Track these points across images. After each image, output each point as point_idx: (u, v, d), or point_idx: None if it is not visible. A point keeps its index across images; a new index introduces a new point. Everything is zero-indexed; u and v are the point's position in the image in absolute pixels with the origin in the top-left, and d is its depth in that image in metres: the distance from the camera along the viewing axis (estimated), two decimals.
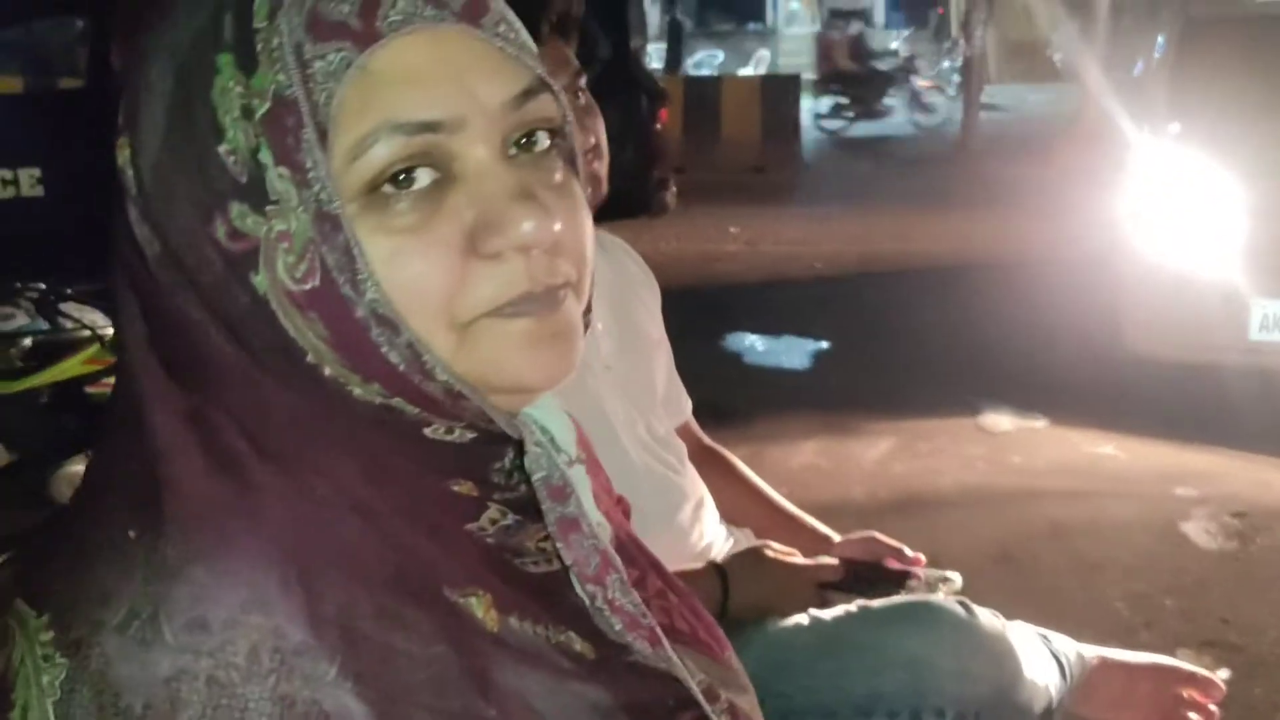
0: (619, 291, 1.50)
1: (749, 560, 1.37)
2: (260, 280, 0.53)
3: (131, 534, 0.53)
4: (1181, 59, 4.60)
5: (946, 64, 18.04)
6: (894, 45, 18.88)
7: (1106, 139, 5.18)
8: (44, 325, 2.93)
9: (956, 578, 1.40)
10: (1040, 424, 4.16)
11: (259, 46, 0.52)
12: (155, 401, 0.56)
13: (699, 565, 1.36)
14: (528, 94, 0.57)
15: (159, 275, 0.56)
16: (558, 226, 0.56)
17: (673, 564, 1.34)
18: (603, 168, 1.35)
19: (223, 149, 0.52)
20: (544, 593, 0.61)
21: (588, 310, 0.63)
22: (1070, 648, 1.33)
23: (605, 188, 1.36)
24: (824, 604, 1.35)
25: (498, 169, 0.56)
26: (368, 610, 0.54)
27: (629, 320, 1.49)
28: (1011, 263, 6.13)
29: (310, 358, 0.55)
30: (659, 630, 0.63)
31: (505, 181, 0.55)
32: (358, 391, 0.56)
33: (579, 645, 0.61)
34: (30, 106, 7.39)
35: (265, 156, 0.52)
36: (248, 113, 0.52)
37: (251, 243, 0.53)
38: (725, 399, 4.29)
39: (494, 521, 0.61)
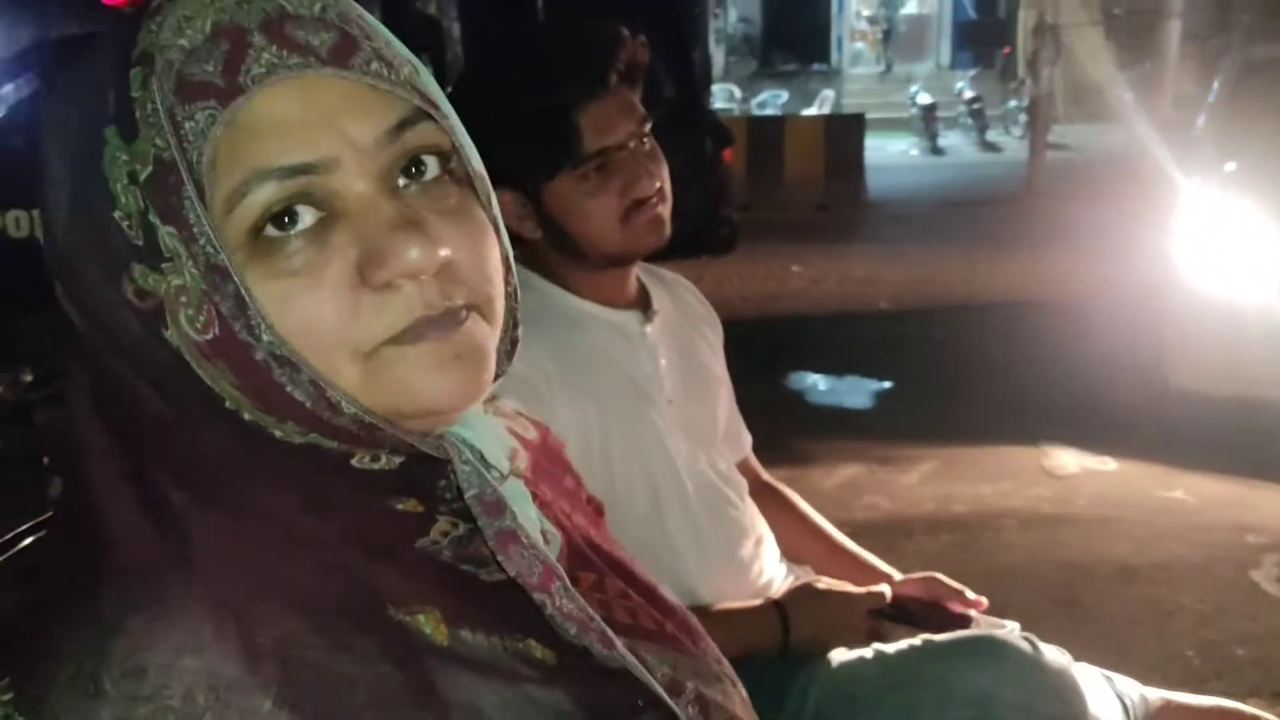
0: (682, 328, 1.52)
1: (805, 594, 1.38)
2: (171, 335, 0.56)
3: (75, 597, 0.55)
4: (1237, 100, 4.59)
5: (1013, 104, 17.93)
6: (959, 85, 18.82)
7: (1170, 180, 5.13)
8: None
9: (1014, 627, 1.39)
10: (1108, 466, 4.09)
11: (137, 114, 0.54)
12: (96, 463, 0.59)
13: (758, 602, 1.37)
14: (404, 125, 0.58)
15: (89, 341, 0.59)
16: (444, 252, 0.58)
17: (733, 598, 1.36)
18: (666, 210, 1.38)
19: (118, 215, 0.55)
20: (502, 601, 0.62)
21: (515, 330, 0.65)
22: (1134, 689, 1.31)
23: (669, 230, 1.38)
24: (878, 632, 1.35)
25: (379, 202, 0.58)
26: (309, 639, 0.56)
27: (692, 357, 1.51)
28: (1077, 302, 6.04)
29: (229, 404, 0.57)
30: (609, 632, 0.64)
31: (386, 213, 0.57)
32: (278, 433, 0.59)
33: (539, 652, 0.62)
34: None
35: (154, 217, 0.54)
36: (133, 178, 0.54)
37: (157, 300, 0.55)
38: (787, 438, 4.28)
39: (445, 534, 0.63)
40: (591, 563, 0.71)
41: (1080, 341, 5.34)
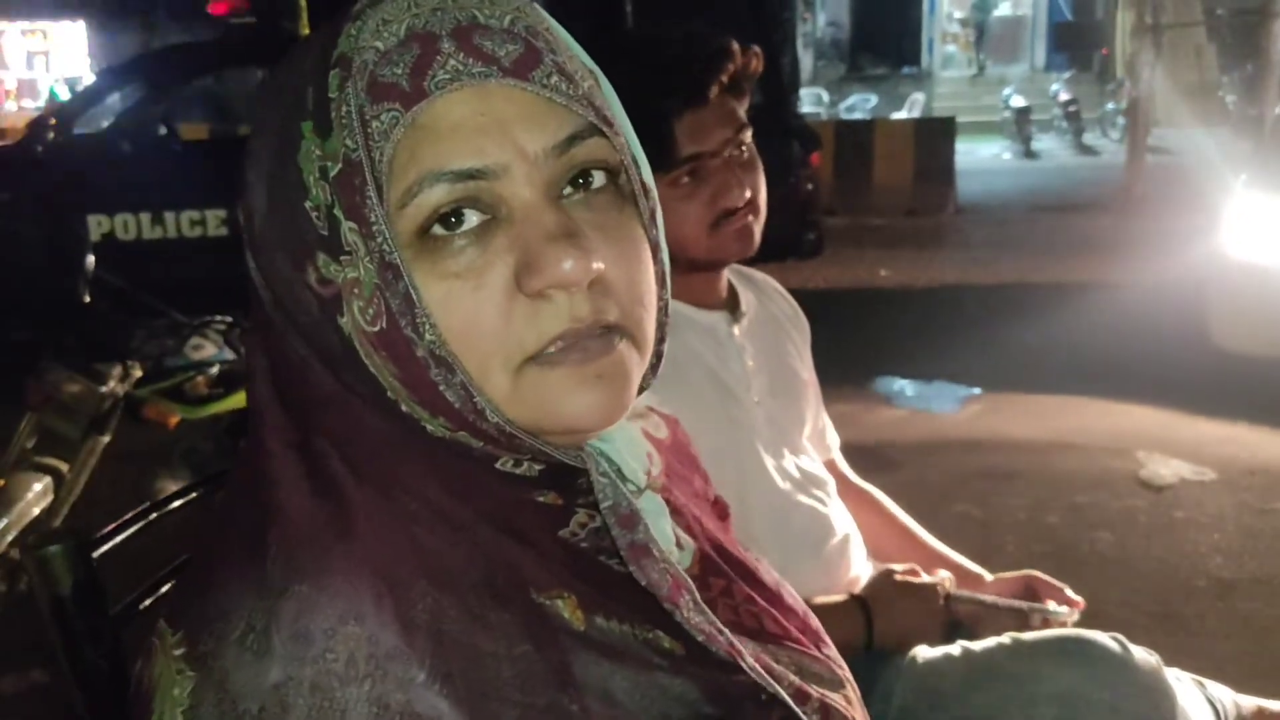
0: (770, 329, 1.53)
1: (885, 587, 1.38)
2: (345, 322, 0.59)
3: (246, 561, 0.59)
4: None
5: (1111, 106, 17.52)
6: (1055, 88, 18.44)
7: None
8: (230, 355, 3.13)
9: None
10: (1207, 476, 3.98)
11: (332, 113, 0.57)
12: (271, 434, 0.63)
13: (841, 598, 1.38)
14: (574, 139, 0.60)
15: (273, 317, 0.63)
16: (597, 265, 0.59)
17: (820, 595, 1.37)
18: (757, 222, 1.38)
19: (308, 205, 0.58)
20: (635, 591, 0.64)
21: (661, 344, 0.66)
22: (1227, 695, 1.29)
23: (757, 241, 1.39)
24: (959, 620, 1.35)
25: (541, 211, 0.59)
26: (456, 615, 0.59)
27: (779, 358, 1.52)
28: (1176, 311, 5.88)
29: (390, 394, 0.60)
30: (736, 644, 0.65)
31: (546, 222, 0.59)
32: (430, 426, 0.61)
33: (667, 642, 0.65)
34: (216, 152, 7.86)
35: (339, 212, 0.57)
36: (324, 173, 0.58)
37: (335, 288, 0.58)
38: (874, 443, 4.26)
39: (583, 525, 0.66)
40: (721, 569, 0.73)
41: (1182, 352, 5.22)
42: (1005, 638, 1.29)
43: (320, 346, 0.61)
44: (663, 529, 0.68)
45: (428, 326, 0.57)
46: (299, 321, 0.61)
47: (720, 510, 0.83)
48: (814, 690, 0.68)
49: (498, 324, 0.58)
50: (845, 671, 0.74)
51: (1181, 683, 1.26)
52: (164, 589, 0.93)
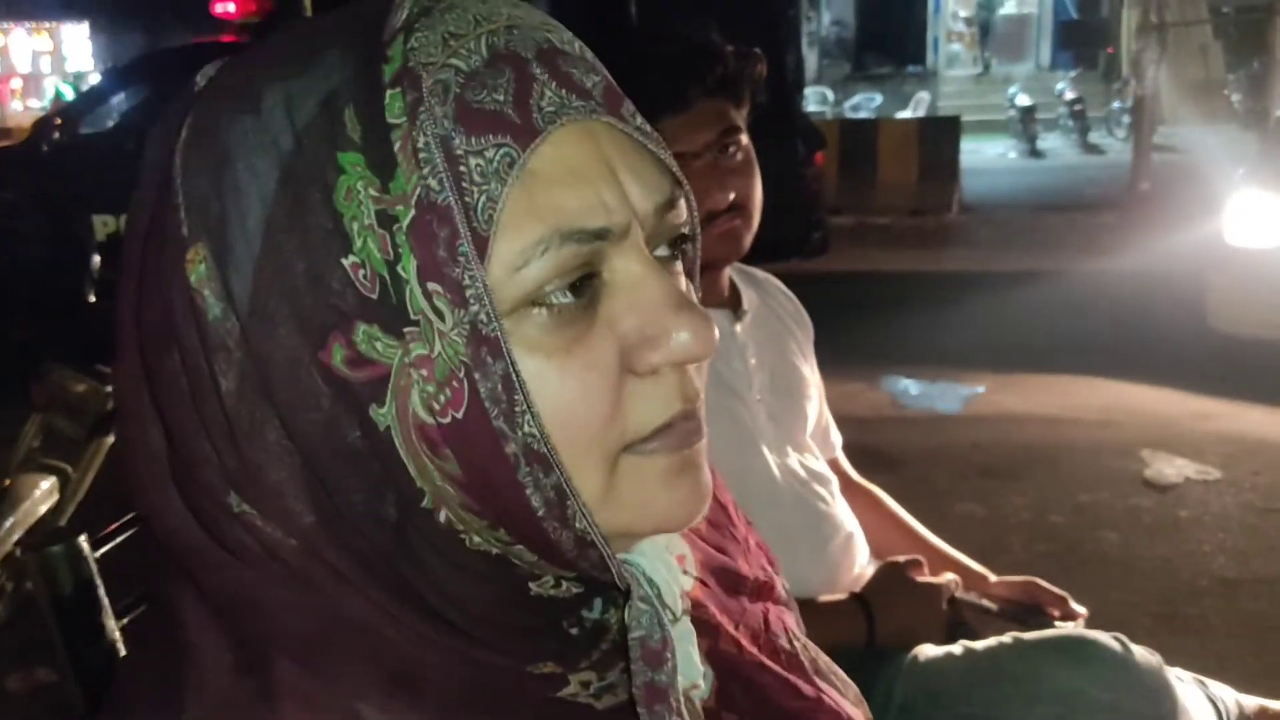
0: (772, 327, 1.53)
1: (887, 582, 1.38)
2: (384, 413, 0.46)
3: None
4: None
5: (1116, 105, 17.49)
6: (1060, 86, 18.42)
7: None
8: None
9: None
10: (1211, 476, 3.98)
11: (397, 145, 0.45)
12: (189, 590, 0.52)
13: (842, 596, 1.38)
14: (671, 202, 0.52)
15: (234, 417, 0.48)
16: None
17: (823, 593, 1.37)
18: (745, 224, 1.36)
19: (349, 261, 0.45)
20: None
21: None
22: (1228, 694, 1.29)
23: (744, 244, 1.37)
24: (961, 620, 1.35)
25: (655, 277, 0.50)
26: None
27: (782, 355, 1.52)
28: (1182, 309, 5.88)
29: (426, 502, 0.48)
30: None
31: (662, 289, 0.50)
32: (476, 539, 0.50)
33: None
34: None
35: (406, 270, 0.45)
36: (385, 221, 0.45)
37: (379, 370, 0.46)
38: (878, 442, 4.25)
39: (574, 695, 0.55)
40: (736, 702, 0.62)
41: (1188, 351, 5.22)
42: (1007, 637, 1.29)
43: (313, 453, 0.47)
44: (690, 658, 0.59)
45: (527, 416, 0.46)
46: (290, 419, 0.47)
47: (764, 591, 0.71)
48: None
49: (606, 410, 0.48)
50: None
51: (1183, 682, 1.26)
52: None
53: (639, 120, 0.51)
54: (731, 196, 1.34)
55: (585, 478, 0.48)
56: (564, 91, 0.48)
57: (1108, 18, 21.78)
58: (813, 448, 1.53)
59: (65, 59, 17.45)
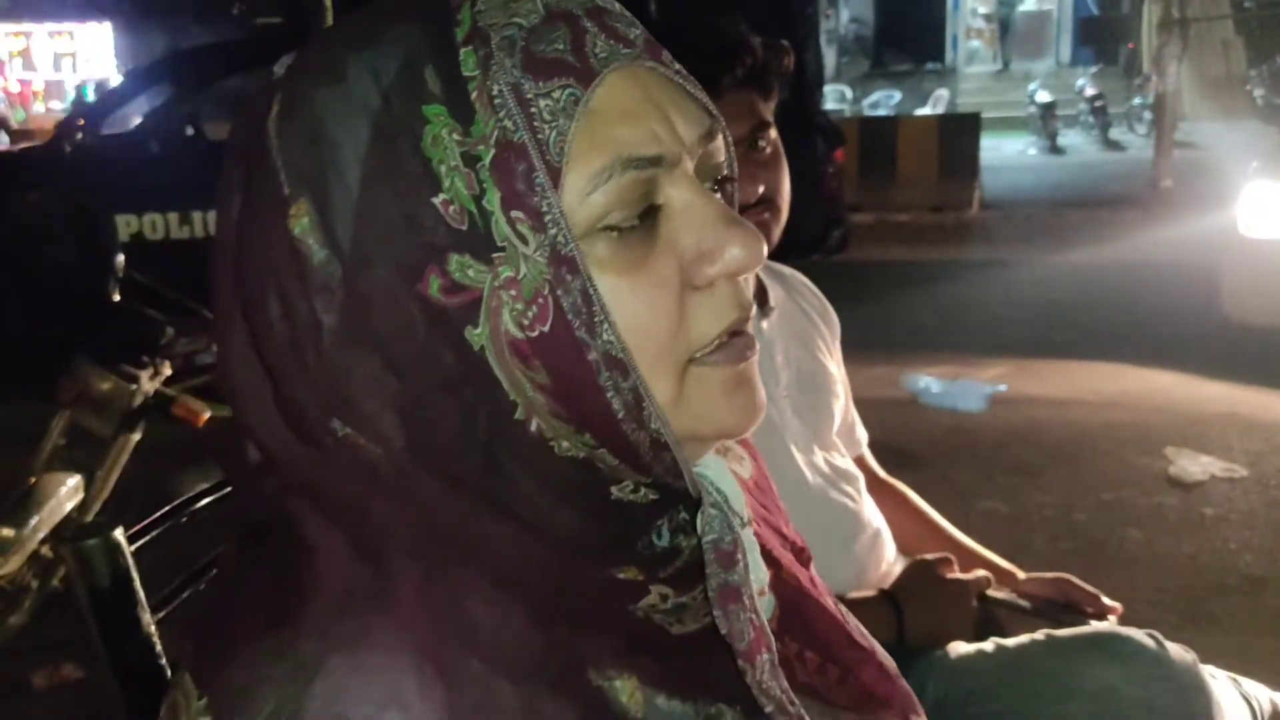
0: (798, 324, 1.53)
1: (916, 580, 1.37)
2: (478, 334, 0.51)
3: (276, 625, 0.53)
4: None
5: (1137, 101, 17.39)
6: (1080, 83, 18.33)
7: None
8: None
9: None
10: (1238, 473, 3.95)
11: (474, 94, 0.51)
12: (304, 503, 0.56)
13: (871, 593, 1.38)
14: (710, 134, 0.58)
15: (331, 354, 0.53)
16: (765, 248, 0.56)
17: (851, 590, 1.36)
18: (773, 219, 1.36)
19: (439, 200, 0.51)
20: (698, 657, 0.60)
21: None
22: (1262, 693, 1.28)
23: (774, 239, 1.37)
24: (990, 617, 1.34)
25: (705, 199, 0.56)
26: (508, 703, 0.54)
27: (808, 353, 1.52)
28: (1200, 300, 5.84)
29: (518, 414, 0.53)
30: (805, 717, 0.61)
31: (714, 210, 0.56)
32: (564, 444, 0.54)
33: (729, 717, 0.60)
34: None
35: (491, 202, 0.51)
36: (470, 161, 0.51)
37: (472, 294, 0.51)
38: (902, 440, 4.24)
39: (653, 606, 0.59)
40: (796, 630, 0.67)
41: (1212, 347, 5.18)
42: (1039, 634, 1.28)
43: (409, 380, 0.52)
44: (758, 567, 0.63)
45: (605, 326, 0.51)
46: (389, 349, 0.52)
47: (804, 557, 0.76)
48: None
49: (672, 322, 0.54)
50: None
51: (1216, 680, 1.25)
52: (195, 586, 0.94)
53: (677, 66, 0.57)
54: (761, 190, 1.34)
55: (657, 385, 0.54)
56: (612, 41, 0.54)
57: (1128, 13, 21.65)
58: (839, 445, 1.52)
59: (87, 60, 17.56)
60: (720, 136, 0.59)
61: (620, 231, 0.53)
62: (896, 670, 0.73)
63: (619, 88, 0.53)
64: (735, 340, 0.57)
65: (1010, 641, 1.29)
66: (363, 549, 0.55)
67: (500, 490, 0.54)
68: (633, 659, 0.58)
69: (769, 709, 0.60)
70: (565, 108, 0.51)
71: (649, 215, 0.54)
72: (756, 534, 0.67)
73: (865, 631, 0.73)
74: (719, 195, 0.59)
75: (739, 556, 0.58)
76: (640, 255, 0.54)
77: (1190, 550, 3.40)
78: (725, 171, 0.60)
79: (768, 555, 0.68)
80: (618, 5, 0.57)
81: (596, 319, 0.51)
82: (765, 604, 0.65)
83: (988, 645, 1.29)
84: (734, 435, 0.60)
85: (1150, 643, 1.22)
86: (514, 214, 0.51)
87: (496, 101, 0.51)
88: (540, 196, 0.51)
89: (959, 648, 1.30)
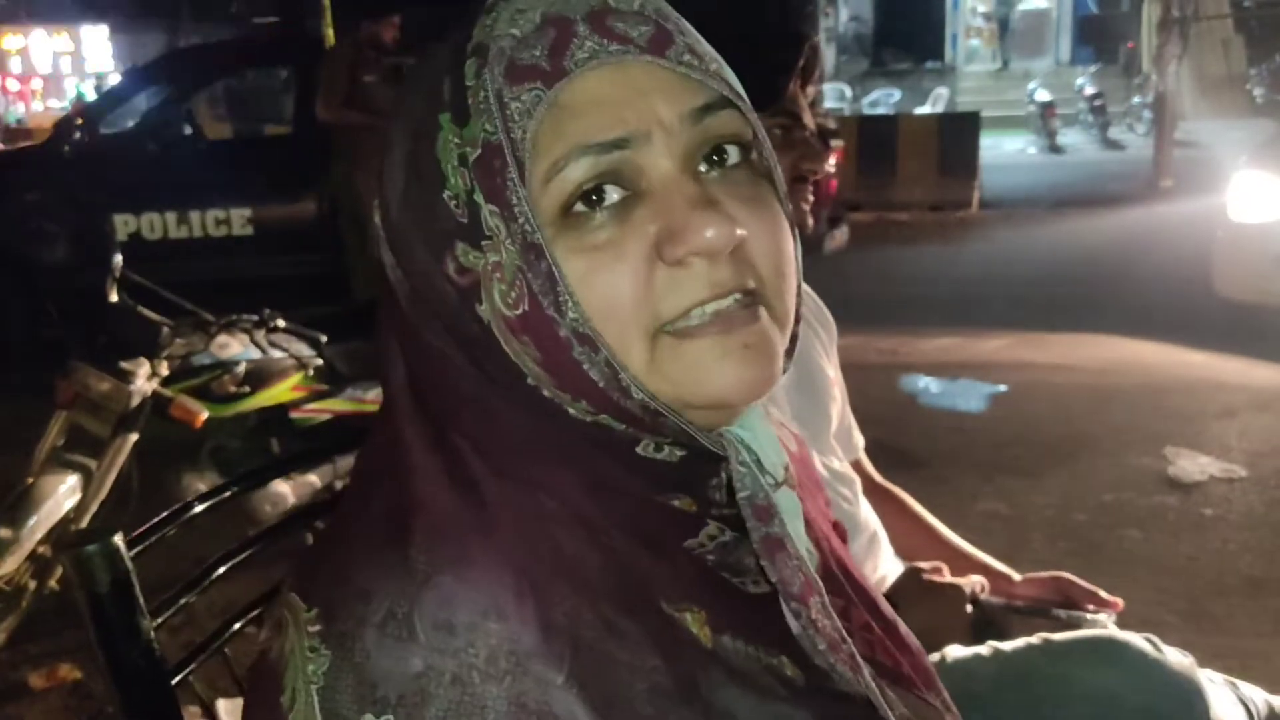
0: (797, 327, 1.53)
1: (910, 584, 1.38)
2: (484, 309, 0.58)
3: (386, 546, 0.58)
4: None
5: (1137, 100, 17.39)
6: (1080, 82, 18.32)
7: None
8: (255, 354, 3.14)
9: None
10: (1237, 474, 3.95)
11: (469, 101, 0.57)
12: (407, 431, 0.62)
13: None
14: (708, 109, 0.59)
15: (410, 312, 0.63)
16: (740, 232, 0.58)
17: None
18: (819, 206, 1.41)
19: (446, 195, 0.58)
20: (759, 613, 0.63)
21: (794, 328, 0.64)
22: (1259, 696, 1.28)
23: (811, 224, 1.40)
24: (979, 620, 1.35)
25: (681, 181, 0.59)
26: (592, 620, 0.58)
27: (805, 355, 1.52)
28: (1205, 308, 5.85)
29: (530, 380, 0.59)
30: (858, 657, 0.64)
31: (687, 192, 0.58)
32: (573, 410, 0.60)
33: (789, 670, 0.63)
34: (240, 151, 7.92)
35: (478, 197, 0.57)
36: (463, 160, 0.57)
37: (474, 276, 0.58)
38: (900, 441, 4.24)
39: (712, 538, 0.64)
40: (842, 590, 0.71)
41: (1212, 345, 5.19)
42: (1036, 638, 1.28)
43: (459, 338, 0.61)
44: (797, 528, 0.66)
45: (570, 304, 0.56)
46: (439, 313, 0.61)
47: (841, 534, 0.81)
48: None
49: (637, 294, 0.57)
50: (953, 715, 0.72)
51: (1215, 684, 1.25)
52: (200, 587, 0.94)
53: (686, 57, 0.60)
54: (828, 168, 1.38)
55: (629, 354, 0.58)
56: (604, 41, 0.58)
57: (1128, 12, 21.65)
58: (836, 449, 1.52)
59: (85, 60, 17.55)
60: (731, 109, 0.61)
61: (594, 213, 0.58)
62: (920, 647, 0.75)
63: (598, 84, 0.58)
64: (722, 315, 0.59)
65: (1007, 646, 1.29)
66: (458, 477, 0.60)
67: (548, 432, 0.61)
68: (700, 598, 0.62)
69: (821, 648, 0.63)
70: (530, 108, 0.57)
71: (625, 201, 0.58)
72: (800, 497, 0.70)
73: (891, 610, 0.76)
74: (724, 171, 0.61)
75: (774, 512, 0.62)
76: (609, 237, 0.58)
77: (1189, 551, 3.40)
78: (743, 139, 0.61)
79: (809, 520, 0.71)
80: (635, 4, 0.60)
81: (561, 298, 0.56)
82: (811, 562, 0.67)
83: (984, 650, 1.29)
84: (730, 403, 0.61)
85: (1148, 647, 1.22)
86: (491, 207, 0.57)
87: (483, 107, 0.57)
88: (511, 189, 0.56)
89: (956, 652, 1.30)
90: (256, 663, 0.59)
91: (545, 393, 0.59)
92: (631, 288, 0.57)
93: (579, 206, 0.57)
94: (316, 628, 0.56)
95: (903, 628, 0.74)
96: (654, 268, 0.58)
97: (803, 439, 0.82)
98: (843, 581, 0.72)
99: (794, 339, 0.64)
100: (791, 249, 0.63)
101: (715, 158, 0.61)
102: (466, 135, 0.57)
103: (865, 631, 0.70)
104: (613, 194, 0.58)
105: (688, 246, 0.57)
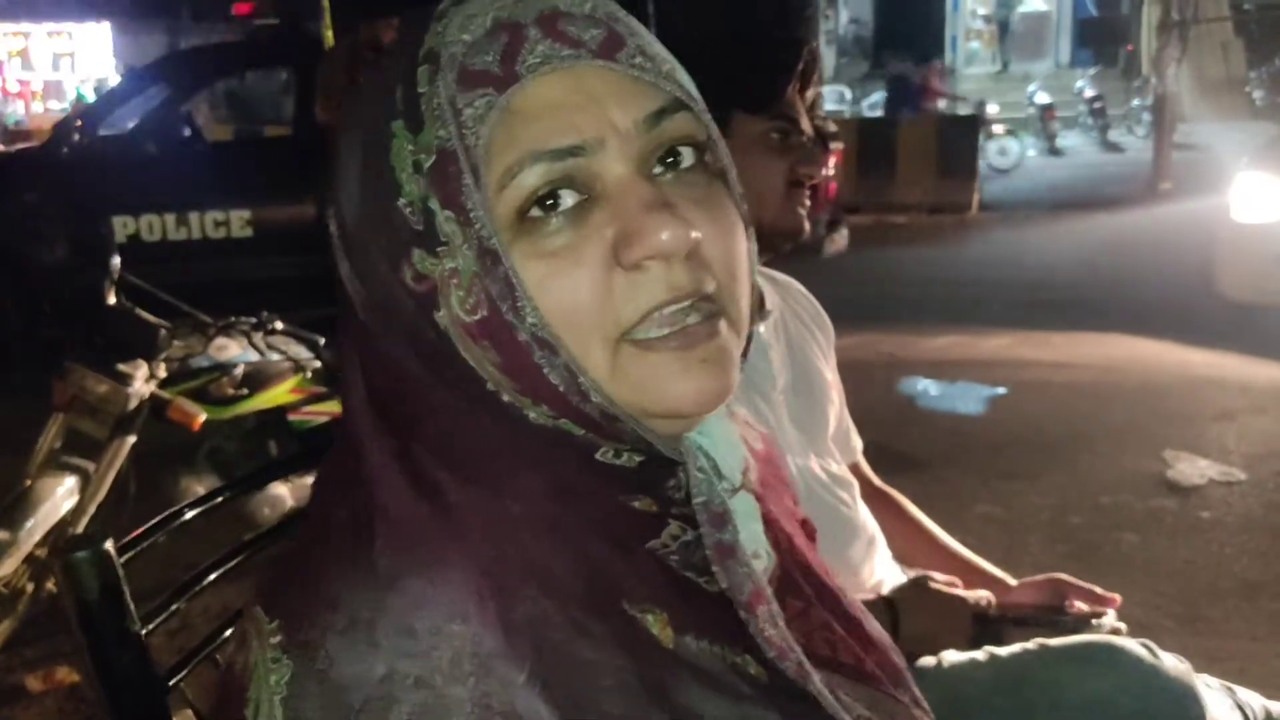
0: (794, 329, 1.53)
1: (914, 590, 1.38)
2: (442, 316, 0.58)
3: (354, 551, 0.59)
4: None
5: (1136, 102, 17.39)
6: (1079, 84, 18.32)
7: None
8: (254, 356, 3.14)
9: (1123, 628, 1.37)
10: (1235, 477, 3.95)
11: (423, 108, 0.57)
12: (368, 441, 0.62)
13: (869, 597, 1.37)
14: (662, 113, 0.60)
15: (367, 321, 0.63)
16: (695, 234, 0.58)
17: None
18: (814, 210, 1.42)
19: (401, 202, 0.58)
20: (725, 611, 0.64)
21: (750, 332, 0.64)
22: (1256, 700, 1.27)
23: (809, 227, 1.41)
24: (989, 633, 1.34)
25: (636, 184, 0.59)
26: (559, 621, 0.58)
27: (803, 357, 1.52)
28: (1205, 308, 5.85)
29: (490, 385, 0.60)
30: (807, 665, 0.64)
31: (641, 195, 0.59)
32: (533, 415, 0.60)
33: (753, 668, 0.63)
34: (240, 153, 7.91)
35: (434, 204, 0.57)
36: (418, 167, 0.57)
37: (431, 283, 0.58)
38: (898, 443, 4.23)
39: (675, 537, 0.64)
40: (801, 590, 0.71)
41: (1213, 347, 5.19)
42: (1032, 643, 1.28)
43: (418, 346, 0.61)
44: (753, 531, 0.68)
45: (529, 309, 0.57)
46: (396, 322, 0.61)
47: (809, 531, 0.81)
48: None
49: (596, 299, 0.58)
50: (920, 711, 0.72)
51: (1211, 689, 1.24)
52: (191, 593, 0.93)
53: (638, 60, 0.60)
54: (825, 173, 1.40)
55: (590, 360, 0.58)
56: (555, 45, 0.58)
57: (1127, 15, 21.66)
58: (834, 452, 1.52)
59: (85, 61, 17.55)
60: (685, 112, 0.61)
61: (549, 218, 0.58)
62: (890, 643, 0.76)
63: (550, 88, 0.58)
64: (683, 331, 0.59)
65: (1004, 651, 1.29)
66: (422, 486, 0.60)
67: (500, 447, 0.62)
68: (661, 598, 0.62)
69: (772, 654, 0.64)
70: (483, 114, 0.57)
71: (580, 206, 0.58)
72: (760, 498, 0.71)
73: (862, 606, 0.76)
74: (679, 172, 0.61)
75: (728, 519, 0.63)
76: (566, 242, 0.58)
77: (1187, 554, 3.39)
78: (700, 141, 0.62)
79: (770, 522, 0.72)
80: (585, 9, 0.60)
81: (519, 303, 0.57)
82: (764, 564, 0.69)
83: (980, 654, 1.29)
84: (686, 415, 0.61)
85: (1144, 653, 1.22)
86: (446, 213, 0.57)
87: (436, 113, 0.57)
88: (466, 195, 0.57)
89: (952, 656, 1.30)
90: (223, 678, 0.60)
91: (505, 398, 0.60)
92: (590, 294, 0.58)
93: (534, 211, 0.58)
94: (277, 639, 0.57)
95: (870, 625, 0.75)
96: (612, 273, 0.58)
97: (771, 437, 0.81)
98: (802, 583, 0.72)
99: (749, 338, 0.65)
100: (745, 250, 0.63)
101: (669, 160, 0.61)
102: (421, 142, 0.57)
103: (826, 631, 0.70)
104: (568, 199, 0.58)
105: (644, 250, 0.57)
